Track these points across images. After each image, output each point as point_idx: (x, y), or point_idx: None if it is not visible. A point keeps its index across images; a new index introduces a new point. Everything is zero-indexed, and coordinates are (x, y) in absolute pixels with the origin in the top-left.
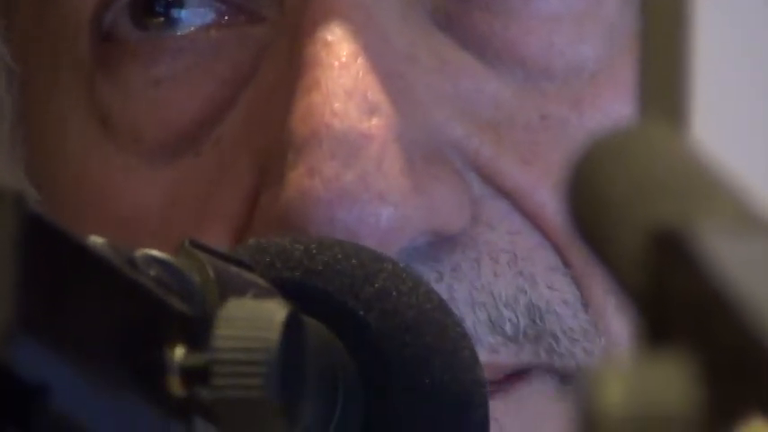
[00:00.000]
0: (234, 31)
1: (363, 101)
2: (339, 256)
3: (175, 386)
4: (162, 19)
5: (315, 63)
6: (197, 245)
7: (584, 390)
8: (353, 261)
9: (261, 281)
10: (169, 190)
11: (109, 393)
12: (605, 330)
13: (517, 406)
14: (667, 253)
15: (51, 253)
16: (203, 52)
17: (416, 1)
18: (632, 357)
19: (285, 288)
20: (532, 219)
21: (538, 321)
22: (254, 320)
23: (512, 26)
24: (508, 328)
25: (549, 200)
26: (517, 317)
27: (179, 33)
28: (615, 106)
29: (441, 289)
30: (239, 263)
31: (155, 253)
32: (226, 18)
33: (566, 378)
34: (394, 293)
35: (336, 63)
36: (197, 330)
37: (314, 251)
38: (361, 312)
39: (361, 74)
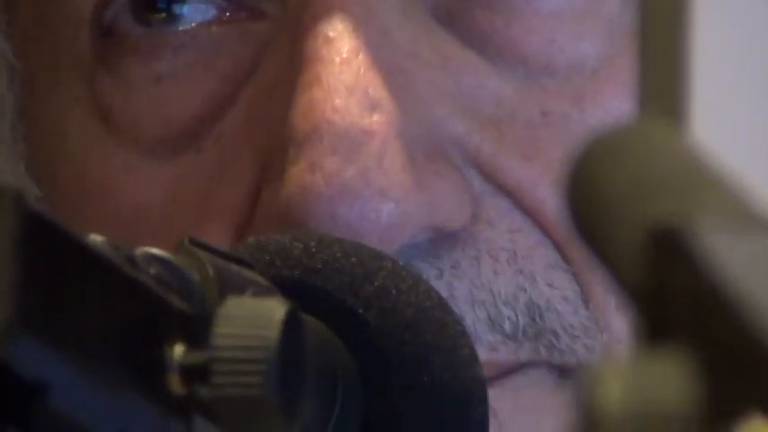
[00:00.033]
0: (235, 28)
1: (364, 97)
2: (338, 254)
3: (175, 384)
4: (164, 15)
5: (316, 59)
6: (196, 243)
7: (584, 387)
8: (353, 259)
9: (260, 279)
10: (170, 186)
11: (108, 391)
12: (606, 326)
13: (514, 396)
14: (666, 251)
15: (51, 251)
16: (204, 48)
17: None
18: (631, 355)
19: (284, 286)
20: (533, 215)
21: (537, 319)
22: (254, 319)
23: (513, 23)
24: (507, 326)
25: (550, 196)
26: (516, 315)
27: (180, 29)
28: (616, 103)
29: (440, 286)
30: (239, 261)
31: (154, 251)
32: (227, 14)
33: (565, 372)
34: (393, 292)
35: (337, 59)
36: (196, 328)
37: (313, 249)
38: (361, 311)
39: (362, 70)
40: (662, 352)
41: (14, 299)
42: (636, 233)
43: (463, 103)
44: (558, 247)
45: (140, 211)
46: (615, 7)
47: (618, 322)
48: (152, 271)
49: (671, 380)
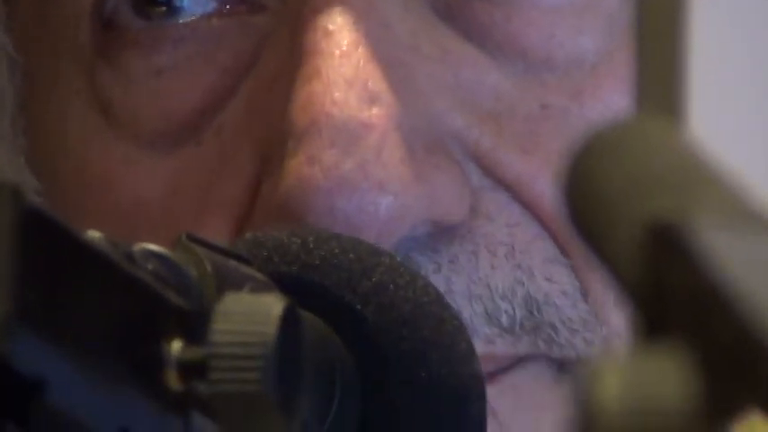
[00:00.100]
0: (235, 20)
1: (364, 90)
2: (336, 250)
3: (173, 380)
4: (164, 8)
5: (315, 52)
6: (194, 239)
7: (582, 383)
8: (351, 255)
9: (258, 275)
10: (170, 179)
11: (106, 387)
12: (605, 320)
13: (513, 392)
14: (664, 248)
15: (49, 247)
16: (204, 41)
17: None
18: (629, 351)
19: (282, 282)
20: (532, 209)
21: (535, 313)
22: (252, 315)
23: (513, 17)
24: (504, 319)
25: (549, 190)
26: (513, 309)
27: (180, 22)
28: (615, 97)
29: (438, 280)
30: (237, 257)
31: (152, 247)
32: (227, 7)
33: (564, 366)
34: (391, 287)
35: (337, 52)
36: (194, 324)
37: (311, 245)
38: (359, 306)
39: (361, 63)
40: (659, 348)
41: (13, 295)
42: (634, 230)
43: (462, 96)
44: (556, 240)
45: (140, 204)
46: (615, 2)
47: (617, 316)
48: (150, 267)
49: (668, 376)
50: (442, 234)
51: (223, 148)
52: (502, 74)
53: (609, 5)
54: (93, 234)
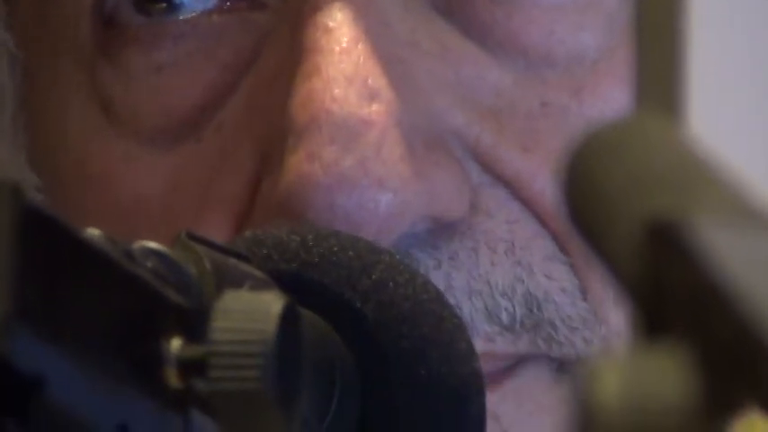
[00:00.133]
0: (235, 17)
1: (364, 87)
2: (335, 247)
3: (172, 378)
4: (164, 4)
5: (315, 49)
6: (194, 237)
7: (581, 381)
8: (350, 253)
9: (258, 273)
10: (170, 176)
11: (106, 385)
12: (605, 319)
13: (515, 397)
14: (664, 246)
15: (48, 245)
16: (205, 37)
17: None
18: (629, 349)
19: (282, 280)
20: (531, 207)
21: (535, 311)
22: (251, 312)
23: (514, 15)
24: (504, 317)
25: (549, 188)
26: (513, 306)
27: (181, 18)
28: (615, 94)
29: (438, 276)
30: (236, 255)
31: (152, 245)
32: (227, 3)
33: (564, 366)
34: (391, 285)
35: (337, 49)
36: (194, 322)
37: (310, 243)
38: (358, 304)
39: (361, 59)
40: (659, 346)
41: (12, 293)
42: (633, 228)
43: (463, 93)
44: (556, 238)
45: (140, 200)
46: (615, 0)
47: (616, 315)
48: (149, 265)
49: (668, 374)
50: (441, 230)
51: (223, 144)
52: (502, 71)
53: (609, 3)
54: (93, 232)
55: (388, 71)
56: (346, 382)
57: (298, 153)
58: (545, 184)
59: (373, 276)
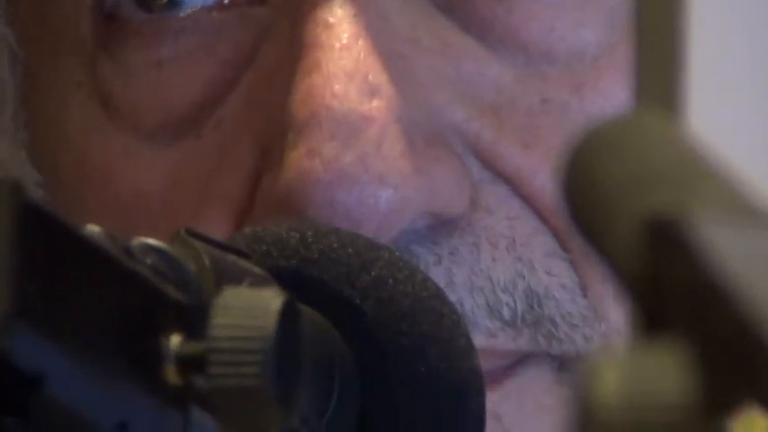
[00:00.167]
0: (236, 13)
1: (364, 82)
2: (335, 244)
3: (172, 375)
4: (165, 0)
5: (316, 44)
6: (193, 233)
7: (581, 379)
8: (350, 249)
9: (257, 269)
10: (170, 172)
11: (106, 382)
12: (604, 315)
13: (516, 396)
14: (663, 243)
15: (48, 242)
16: (205, 33)
17: None
18: (628, 346)
19: (281, 277)
20: (532, 203)
21: (536, 307)
22: (250, 309)
23: (514, 10)
24: (506, 312)
25: (549, 184)
26: (515, 302)
27: (181, 14)
28: (616, 91)
29: (439, 272)
30: (235, 251)
31: (151, 241)
32: None
33: (564, 364)
34: (390, 282)
35: (337, 45)
36: (193, 319)
37: (310, 239)
38: (358, 301)
39: (362, 55)
40: (658, 343)
41: (12, 290)
42: (632, 225)
43: (463, 89)
44: (556, 235)
45: (140, 196)
46: None
47: (616, 312)
48: (148, 261)
49: (668, 371)
50: (442, 226)
51: (223, 140)
52: (503, 67)
53: None
54: (92, 228)
55: (388, 67)
56: (346, 379)
57: (298, 149)
58: (545, 180)
59: (373, 273)
